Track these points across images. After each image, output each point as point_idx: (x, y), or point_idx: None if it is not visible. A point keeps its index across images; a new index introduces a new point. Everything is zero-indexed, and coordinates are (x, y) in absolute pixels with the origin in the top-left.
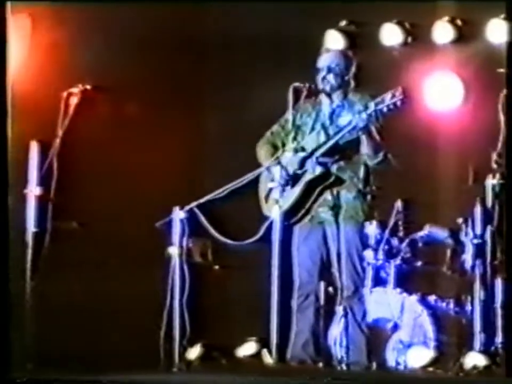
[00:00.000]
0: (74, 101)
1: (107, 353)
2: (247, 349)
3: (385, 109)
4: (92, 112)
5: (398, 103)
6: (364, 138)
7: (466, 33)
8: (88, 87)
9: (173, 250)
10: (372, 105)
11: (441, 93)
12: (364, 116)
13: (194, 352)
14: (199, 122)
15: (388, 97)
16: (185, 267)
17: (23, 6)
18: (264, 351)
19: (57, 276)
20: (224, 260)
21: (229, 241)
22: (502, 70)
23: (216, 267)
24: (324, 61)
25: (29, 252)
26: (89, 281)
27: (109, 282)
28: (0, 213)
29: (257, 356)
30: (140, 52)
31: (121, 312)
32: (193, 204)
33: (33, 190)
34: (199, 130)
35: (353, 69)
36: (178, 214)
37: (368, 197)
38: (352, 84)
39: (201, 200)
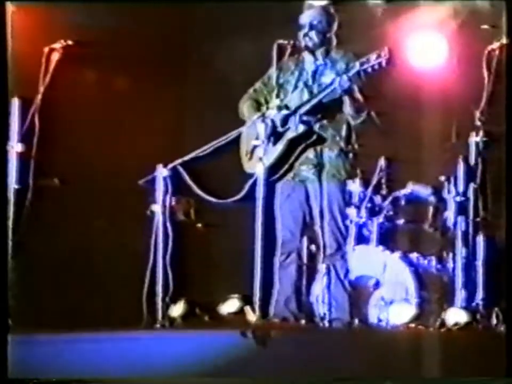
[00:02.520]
0: (56, 56)
1: (90, 310)
2: (230, 306)
3: (370, 69)
4: (74, 69)
5: (383, 63)
6: (346, 98)
7: None
8: (70, 42)
9: (156, 208)
10: (356, 65)
11: (424, 50)
12: (345, 78)
13: (177, 309)
14: (182, 80)
15: (373, 57)
16: (169, 225)
17: None
18: (247, 308)
19: (40, 233)
20: (207, 218)
21: (212, 199)
22: (485, 27)
23: (200, 225)
24: (305, 17)
25: (11, 208)
26: (72, 239)
27: (92, 240)
28: None
29: (240, 313)
30: (123, 6)
31: (104, 269)
32: (177, 161)
33: (14, 147)
34: (182, 88)
35: (335, 26)
36: (162, 172)
37: (351, 155)
38: (335, 41)
39: (185, 158)
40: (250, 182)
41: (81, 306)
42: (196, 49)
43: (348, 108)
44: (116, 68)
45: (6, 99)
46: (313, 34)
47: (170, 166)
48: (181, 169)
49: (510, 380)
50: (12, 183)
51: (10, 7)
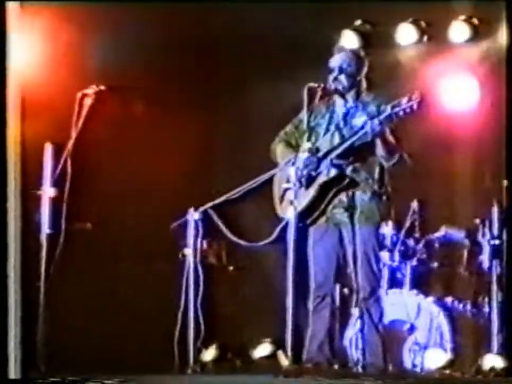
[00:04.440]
0: (88, 102)
1: (121, 354)
2: (262, 350)
3: (401, 112)
4: (105, 114)
5: (415, 106)
6: (378, 141)
7: (482, 32)
8: (102, 88)
9: (188, 252)
10: (388, 109)
11: (457, 92)
12: (376, 121)
13: (209, 354)
14: (213, 123)
15: (404, 100)
16: (200, 268)
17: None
18: (280, 352)
19: (72, 277)
20: (238, 261)
21: (243, 242)
22: None
23: (231, 268)
24: (335, 61)
25: (44, 253)
26: (104, 283)
27: (124, 284)
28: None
29: (272, 357)
30: (153, 53)
31: (135, 314)
32: (208, 205)
33: (47, 192)
34: (213, 131)
35: (365, 69)
36: (193, 215)
37: (384, 197)
38: (365, 84)
39: (216, 201)
40: (281, 225)
41: (112, 351)
42: (227, 91)
43: (380, 150)
44: (146, 112)
45: (5, 99)
46: (343, 77)
47: (201, 209)
48: (211, 212)
49: (510, 380)
50: (45, 228)
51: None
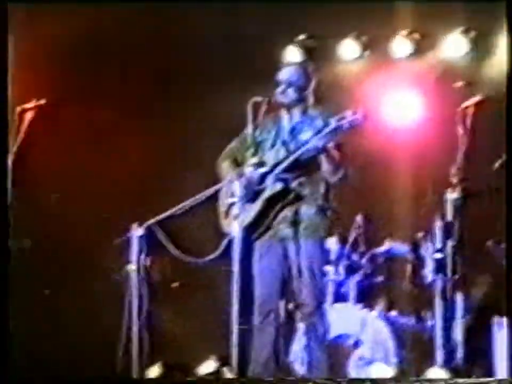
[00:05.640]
0: (28, 116)
1: (64, 371)
2: (207, 367)
3: (346, 126)
4: (46, 129)
5: (359, 119)
6: (323, 157)
7: (424, 47)
8: (42, 102)
9: (131, 268)
10: (333, 122)
11: (400, 107)
12: (319, 137)
13: (153, 371)
14: (157, 138)
15: (348, 114)
16: (144, 285)
17: None
18: (225, 369)
19: (13, 294)
20: (183, 278)
21: (188, 258)
22: (459, 84)
23: (175, 285)
24: (283, 74)
25: None
26: (46, 300)
27: (66, 301)
28: None
29: (217, 373)
30: (95, 67)
31: (78, 331)
32: (152, 220)
33: None
34: (158, 146)
35: (312, 84)
36: (137, 231)
37: (329, 212)
38: (312, 99)
39: (160, 217)
40: (226, 240)
41: (55, 369)
42: (170, 106)
43: (325, 165)
44: (88, 128)
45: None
46: (290, 91)
47: (145, 225)
48: (156, 228)
49: (510, 380)
50: None
51: None
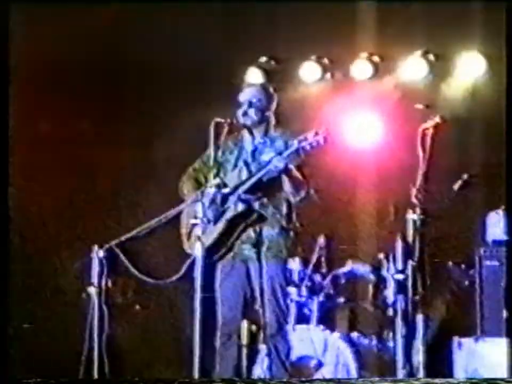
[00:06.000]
0: None
1: None
2: None
3: (308, 147)
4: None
5: (321, 140)
6: (284, 177)
7: (384, 70)
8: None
9: (92, 290)
10: (294, 143)
11: (361, 128)
12: (279, 158)
13: None
14: (118, 159)
15: (310, 135)
16: (105, 307)
17: None
18: None
19: None
20: (145, 299)
21: (150, 279)
22: (419, 106)
23: (137, 307)
24: (245, 95)
25: None
26: (5, 320)
27: (26, 322)
28: None
29: None
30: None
31: (38, 352)
32: (113, 242)
33: None
34: (118, 168)
35: (274, 105)
36: (98, 253)
37: (291, 233)
38: (273, 120)
39: (121, 238)
40: (188, 262)
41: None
42: (132, 125)
43: (287, 186)
44: (47, 145)
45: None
46: (252, 112)
47: (106, 246)
48: (117, 249)
49: (510, 380)
50: None
51: None
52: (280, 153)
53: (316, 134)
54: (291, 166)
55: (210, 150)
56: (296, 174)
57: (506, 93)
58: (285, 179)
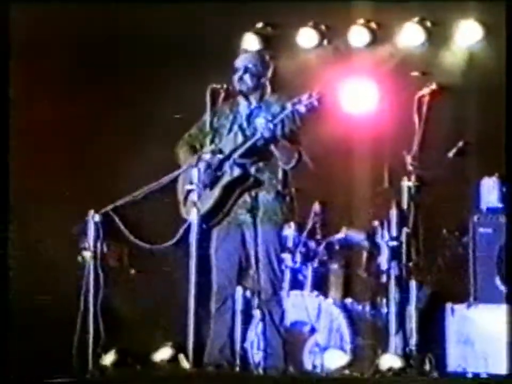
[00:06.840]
0: None
1: (20, 358)
2: (163, 353)
3: (302, 109)
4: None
5: (315, 103)
6: (273, 146)
7: (381, 37)
8: None
9: (87, 254)
10: (288, 106)
11: (357, 95)
12: (269, 125)
13: (108, 358)
14: (115, 125)
15: (304, 97)
16: (100, 271)
17: None
18: (181, 355)
19: None
20: (140, 264)
21: (145, 244)
22: (415, 73)
23: (132, 271)
24: (241, 61)
25: None
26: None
27: (23, 288)
28: None
29: (173, 360)
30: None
31: (34, 317)
32: (109, 206)
33: None
34: (114, 133)
35: (270, 71)
36: (94, 217)
37: (287, 198)
38: (269, 86)
39: (117, 203)
40: (183, 227)
41: (11, 355)
42: (129, 91)
43: (277, 154)
44: (42, 111)
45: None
46: (247, 77)
47: (102, 211)
48: (113, 214)
49: (510, 380)
50: None
51: None
52: (274, 117)
53: (310, 96)
54: (278, 135)
55: (206, 116)
56: (285, 142)
57: (506, 61)
58: (274, 149)
